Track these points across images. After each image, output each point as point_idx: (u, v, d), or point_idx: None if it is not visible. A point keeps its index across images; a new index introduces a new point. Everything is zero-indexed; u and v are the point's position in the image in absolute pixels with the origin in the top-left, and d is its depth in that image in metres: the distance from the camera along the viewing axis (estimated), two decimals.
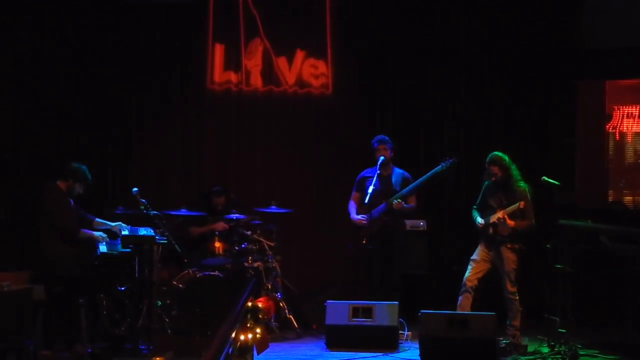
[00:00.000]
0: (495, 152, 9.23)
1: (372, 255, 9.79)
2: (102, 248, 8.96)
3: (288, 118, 11.65)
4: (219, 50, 11.54)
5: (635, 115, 12.07)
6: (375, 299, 9.46)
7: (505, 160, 9.17)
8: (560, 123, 11.55)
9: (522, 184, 9.18)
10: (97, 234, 9.03)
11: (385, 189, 9.79)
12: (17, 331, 7.59)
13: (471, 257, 9.29)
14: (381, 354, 9.01)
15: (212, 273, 9.75)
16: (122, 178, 11.02)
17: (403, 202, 9.68)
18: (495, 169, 9.16)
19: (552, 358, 8.72)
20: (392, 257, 9.82)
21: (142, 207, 9.21)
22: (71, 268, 8.71)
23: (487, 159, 9.21)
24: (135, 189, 9.28)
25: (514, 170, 9.20)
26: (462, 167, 10.74)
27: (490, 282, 9.35)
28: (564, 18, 11.53)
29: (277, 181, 11.48)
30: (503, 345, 8.96)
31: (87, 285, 8.81)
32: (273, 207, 10.38)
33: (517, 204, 8.97)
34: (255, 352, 6.32)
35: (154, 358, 8.24)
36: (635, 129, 12.08)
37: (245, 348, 6.05)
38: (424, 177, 9.71)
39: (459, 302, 9.15)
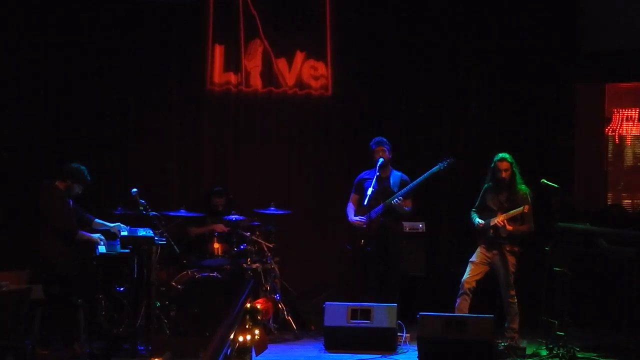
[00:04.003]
0: (503, 153, 9.23)
1: (370, 256, 9.79)
2: (101, 249, 8.95)
3: (287, 119, 11.65)
4: (218, 51, 11.54)
5: (634, 118, 12.08)
6: (372, 301, 9.46)
7: (513, 160, 9.18)
8: (560, 126, 11.55)
9: (523, 187, 9.19)
10: (94, 236, 9.01)
11: (383, 191, 9.78)
12: (15, 330, 7.58)
13: (470, 259, 9.29)
14: (379, 355, 9.02)
15: (211, 274, 9.75)
16: (122, 179, 11.03)
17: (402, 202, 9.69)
18: (507, 164, 9.13)
19: None
20: (390, 258, 9.82)
21: (141, 208, 9.21)
22: (69, 268, 8.72)
23: (496, 158, 9.20)
24: (134, 189, 9.29)
25: (518, 174, 9.21)
26: (460, 168, 10.74)
27: (488, 285, 9.35)
28: (563, 20, 11.52)
29: (276, 182, 11.49)
30: (501, 347, 8.96)
31: (86, 285, 8.81)
32: (272, 208, 10.38)
33: (521, 207, 8.96)
34: (253, 353, 6.33)
35: (152, 358, 8.24)
36: (634, 132, 12.09)
37: (244, 349, 6.07)
38: (422, 177, 9.70)
39: (457, 304, 9.15)
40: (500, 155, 9.22)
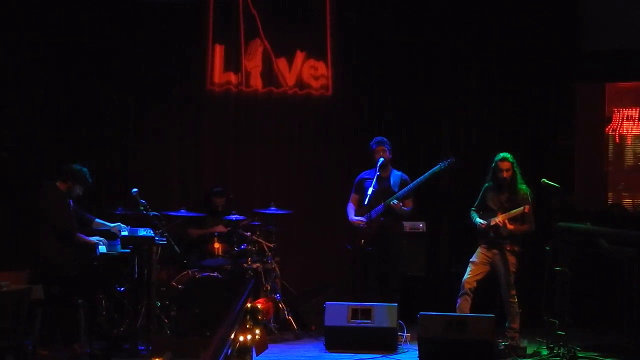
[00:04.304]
0: (504, 153, 9.22)
1: (370, 256, 9.78)
2: (102, 249, 8.95)
3: (288, 119, 11.66)
4: (218, 51, 11.54)
5: (635, 117, 12.06)
6: (372, 301, 9.46)
7: (514, 160, 9.17)
8: (560, 126, 11.55)
9: (524, 187, 9.17)
10: (93, 239, 8.99)
11: (384, 191, 9.78)
12: (15, 330, 7.57)
13: (470, 259, 9.28)
14: (380, 355, 9.01)
15: (211, 274, 9.75)
16: (122, 179, 11.02)
17: (401, 203, 9.68)
18: (508, 164, 9.11)
19: None
20: (390, 258, 9.82)
21: (142, 208, 9.21)
22: (69, 268, 8.70)
23: (498, 157, 9.18)
24: (134, 189, 9.29)
25: (519, 173, 9.20)
26: (461, 168, 10.74)
27: (488, 284, 9.34)
28: (563, 20, 11.52)
29: (276, 182, 11.49)
30: (502, 347, 8.96)
31: (86, 285, 8.79)
32: (272, 208, 10.38)
33: (522, 207, 8.95)
34: (254, 353, 6.33)
35: (152, 358, 8.24)
36: (635, 131, 12.07)
37: (245, 349, 6.06)
38: (423, 177, 9.70)
39: (457, 304, 9.14)
40: (502, 155, 9.21)
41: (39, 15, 11.01)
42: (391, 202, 9.63)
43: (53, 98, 11.02)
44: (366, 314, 9.28)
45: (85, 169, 9.04)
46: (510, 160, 9.16)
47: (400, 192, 9.72)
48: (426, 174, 9.71)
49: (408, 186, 9.75)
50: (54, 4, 11.08)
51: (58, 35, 11.08)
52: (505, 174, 9.14)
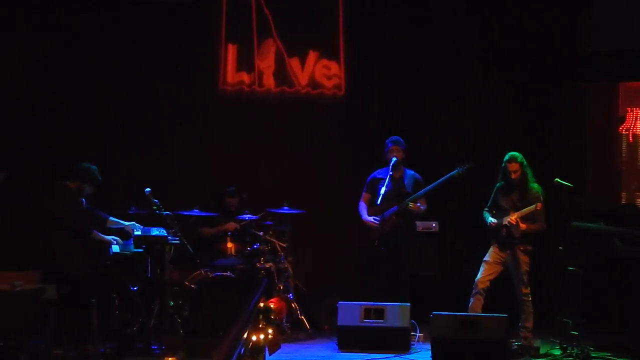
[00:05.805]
0: (514, 152, 9.21)
1: (382, 256, 9.78)
2: (115, 248, 8.97)
3: (300, 119, 11.65)
4: (231, 51, 11.56)
5: None
6: (382, 300, 9.46)
7: (523, 160, 9.16)
8: (571, 126, 11.51)
9: (535, 186, 9.16)
10: (108, 237, 9.03)
11: (397, 190, 9.78)
12: (28, 330, 7.60)
13: (483, 259, 9.27)
14: (393, 355, 9.01)
15: (224, 274, 9.77)
16: (134, 178, 11.00)
17: (418, 203, 9.69)
18: (516, 166, 9.11)
19: None
20: (400, 258, 9.81)
21: (155, 207, 9.22)
22: (80, 268, 8.69)
23: (506, 158, 9.18)
24: (148, 189, 9.29)
25: (529, 172, 9.18)
26: (473, 168, 10.71)
27: (501, 284, 9.33)
28: (574, 20, 11.49)
29: (288, 182, 11.47)
30: (515, 347, 8.95)
31: (99, 285, 8.80)
32: (285, 207, 10.38)
33: (534, 205, 8.94)
34: (267, 353, 6.34)
35: (165, 358, 8.23)
36: None
37: (258, 348, 6.08)
38: (439, 181, 9.71)
39: (470, 303, 9.14)
40: (509, 155, 9.19)
41: (39, 15, 11.03)
42: (408, 205, 9.64)
43: (61, 97, 11.01)
44: (379, 313, 9.28)
45: (94, 167, 9.04)
46: (519, 160, 9.14)
47: (414, 194, 9.71)
48: (442, 179, 9.71)
49: (422, 190, 9.75)
50: (54, 4, 11.11)
51: (65, 34, 11.09)
52: (513, 175, 9.15)
